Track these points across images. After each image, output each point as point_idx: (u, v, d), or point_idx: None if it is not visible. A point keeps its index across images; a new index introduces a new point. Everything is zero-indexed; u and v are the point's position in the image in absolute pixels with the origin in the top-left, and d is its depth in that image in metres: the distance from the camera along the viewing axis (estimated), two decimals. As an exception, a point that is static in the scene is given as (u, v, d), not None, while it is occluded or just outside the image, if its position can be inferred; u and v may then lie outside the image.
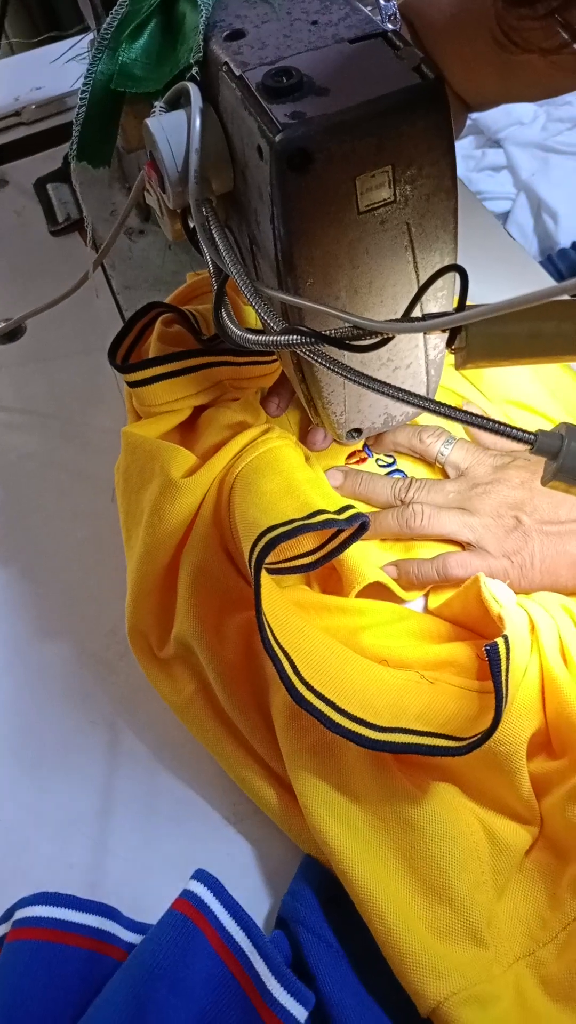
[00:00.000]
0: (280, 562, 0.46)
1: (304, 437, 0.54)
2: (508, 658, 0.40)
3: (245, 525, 0.43)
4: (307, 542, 0.46)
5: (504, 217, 1.15)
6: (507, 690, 0.39)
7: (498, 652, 0.40)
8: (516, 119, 1.25)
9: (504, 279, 0.65)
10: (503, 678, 0.39)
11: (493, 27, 0.44)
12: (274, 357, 0.51)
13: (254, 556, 0.41)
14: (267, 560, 0.41)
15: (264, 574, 0.42)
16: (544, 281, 0.67)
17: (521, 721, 0.40)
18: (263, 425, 0.50)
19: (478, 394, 0.57)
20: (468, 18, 0.48)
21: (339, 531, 0.45)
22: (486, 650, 0.40)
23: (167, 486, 0.46)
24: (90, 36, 0.56)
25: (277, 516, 0.43)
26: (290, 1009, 0.34)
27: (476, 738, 0.38)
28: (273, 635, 0.41)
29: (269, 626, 0.41)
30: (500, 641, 0.40)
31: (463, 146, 1.23)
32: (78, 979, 0.37)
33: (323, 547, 0.46)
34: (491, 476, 0.49)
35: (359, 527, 0.44)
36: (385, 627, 0.47)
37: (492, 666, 0.39)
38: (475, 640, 0.47)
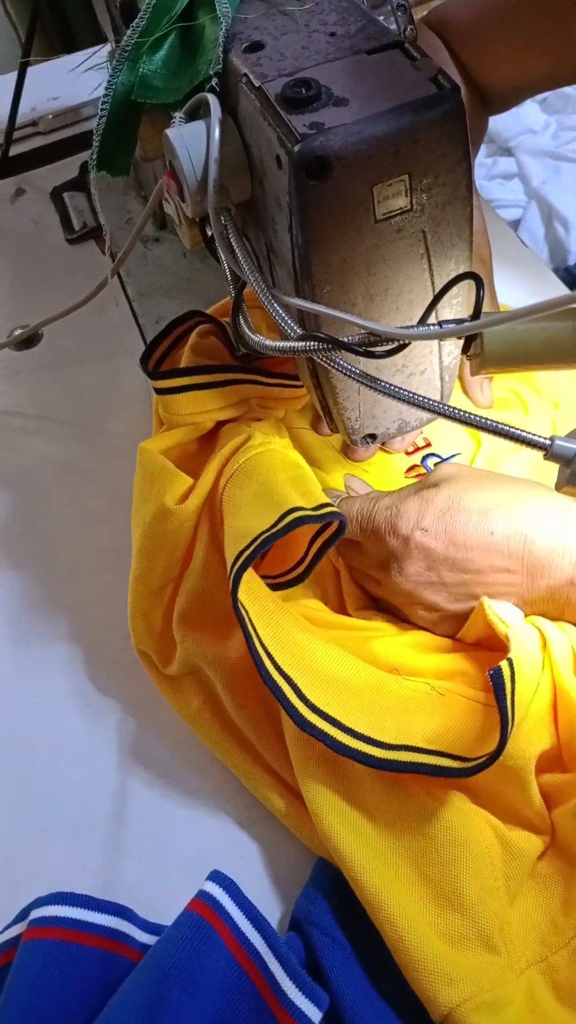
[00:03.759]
0: (277, 576, 0.47)
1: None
2: (513, 681, 0.39)
3: (228, 551, 0.43)
4: (302, 545, 0.46)
5: (515, 225, 1.16)
6: (513, 713, 0.39)
7: (502, 676, 0.39)
8: (527, 127, 1.26)
9: (517, 286, 0.66)
10: (508, 702, 0.39)
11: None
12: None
13: (235, 595, 0.40)
14: (268, 574, 0.40)
15: (259, 592, 0.42)
16: (556, 288, 0.67)
17: (531, 737, 0.40)
18: (244, 434, 0.49)
19: (532, 393, 0.57)
20: (516, 2, 0.49)
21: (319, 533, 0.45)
22: (490, 675, 0.40)
23: (159, 512, 0.47)
24: (108, 47, 0.57)
25: (247, 535, 0.41)
26: (304, 1010, 0.34)
27: (481, 760, 0.38)
28: (273, 662, 0.41)
29: (269, 654, 0.41)
30: (504, 665, 0.40)
31: (474, 155, 1.24)
32: (93, 979, 0.37)
33: (307, 554, 0.46)
34: (398, 553, 0.44)
35: (339, 527, 0.43)
36: (396, 637, 0.47)
37: (496, 691, 0.39)
38: (487, 651, 0.47)
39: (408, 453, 0.56)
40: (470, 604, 0.44)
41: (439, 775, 0.39)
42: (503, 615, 0.43)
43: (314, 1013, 0.34)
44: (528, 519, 0.43)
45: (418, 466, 0.55)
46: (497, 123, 1.21)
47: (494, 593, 0.44)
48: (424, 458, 0.56)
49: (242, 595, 0.41)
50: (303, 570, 0.46)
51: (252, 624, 0.41)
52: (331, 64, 0.35)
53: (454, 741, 0.40)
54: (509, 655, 0.41)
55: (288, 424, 0.55)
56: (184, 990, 0.34)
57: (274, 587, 0.46)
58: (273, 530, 0.41)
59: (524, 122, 1.24)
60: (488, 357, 0.37)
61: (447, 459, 0.55)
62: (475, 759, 0.39)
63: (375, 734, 0.40)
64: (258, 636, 0.41)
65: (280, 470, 0.46)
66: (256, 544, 0.41)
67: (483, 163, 1.24)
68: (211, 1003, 0.34)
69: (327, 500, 0.44)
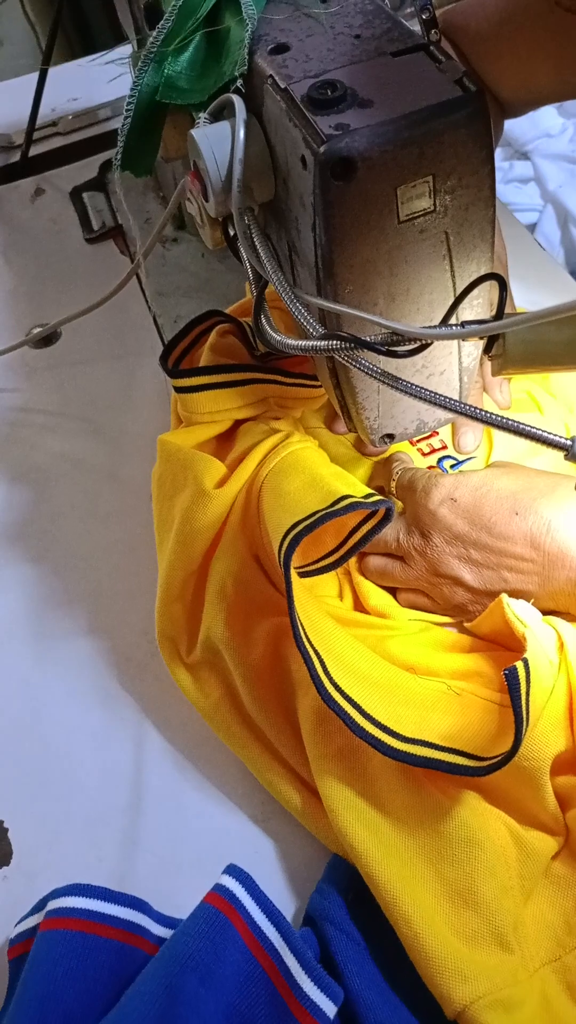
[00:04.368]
0: (308, 565, 0.47)
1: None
2: (528, 681, 0.40)
3: (274, 528, 0.44)
4: (330, 540, 0.47)
5: (531, 229, 1.16)
6: (527, 714, 0.39)
7: (517, 677, 0.39)
8: (544, 131, 1.26)
9: (534, 289, 0.66)
10: (523, 702, 0.39)
11: (548, 13, 0.45)
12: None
13: (282, 553, 0.41)
14: (296, 565, 0.41)
15: (296, 578, 0.42)
16: (574, 290, 0.67)
17: (546, 738, 0.40)
18: (284, 431, 0.51)
19: (547, 396, 0.57)
20: (524, 13, 0.49)
21: (359, 526, 0.46)
22: (505, 675, 0.40)
23: (199, 495, 0.47)
24: (129, 48, 0.58)
25: (302, 512, 0.43)
26: (320, 1004, 0.34)
27: (496, 760, 0.38)
28: (305, 633, 0.41)
29: (301, 624, 0.41)
30: (519, 665, 0.40)
31: (490, 158, 1.24)
32: (108, 970, 0.38)
33: (346, 542, 0.46)
34: (426, 521, 0.47)
35: (384, 517, 0.44)
36: (412, 637, 0.48)
37: (511, 691, 0.39)
38: (503, 652, 0.47)
39: (424, 454, 0.56)
40: (496, 587, 0.45)
41: (454, 773, 0.39)
42: (521, 614, 0.43)
43: (329, 1007, 0.34)
44: (554, 506, 0.44)
45: (434, 467, 0.56)
46: (514, 127, 1.21)
47: (515, 577, 0.44)
48: (440, 460, 0.56)
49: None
50: (339, 557, 0.46)
51: (294, 594, 0.42)
52: (356, 66, 0.35)
53: (470, 740, 0.41)
54: (525, 655, 0.41)
55: (304, 424, 0.55)
56: (201, 981, 0.34)
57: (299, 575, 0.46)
58: (332, 509, 0.43)
59: (541, 126, 1.24)
60: (510, 358, 0.37)
61: (463, 461, 0.56)
62: (490, 759, 0.39)
63: (393, 724, 0.40)
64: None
65: (323, 466, 0.48)
66: (315, 519, 0.42)
67: (499, 167, 1.24)
68: (227, 994, 0.34)
69: (371, 491, 0.46)
